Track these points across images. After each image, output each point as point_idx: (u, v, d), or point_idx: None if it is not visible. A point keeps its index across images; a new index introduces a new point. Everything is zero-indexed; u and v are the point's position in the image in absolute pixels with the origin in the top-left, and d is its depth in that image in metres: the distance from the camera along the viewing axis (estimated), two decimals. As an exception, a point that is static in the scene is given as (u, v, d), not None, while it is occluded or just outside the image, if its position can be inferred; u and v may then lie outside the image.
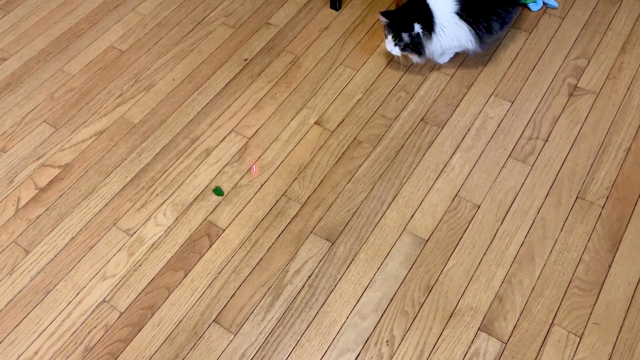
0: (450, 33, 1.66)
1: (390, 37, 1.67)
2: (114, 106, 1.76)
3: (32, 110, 1.76)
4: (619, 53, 1.80)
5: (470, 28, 1.65)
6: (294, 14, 1.98)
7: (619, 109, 1.67)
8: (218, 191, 1.55)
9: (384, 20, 1.67)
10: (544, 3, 1.95)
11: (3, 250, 1.47)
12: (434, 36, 1.65)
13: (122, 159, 1.63)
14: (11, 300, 1.39)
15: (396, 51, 1.69)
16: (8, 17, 2.04)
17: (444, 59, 1.79)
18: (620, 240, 1.42)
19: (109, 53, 1.91)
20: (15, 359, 1.30)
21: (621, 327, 1.29)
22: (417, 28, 1.62)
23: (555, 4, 1.93)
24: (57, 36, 1.97)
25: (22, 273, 1.43)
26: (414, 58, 1.72)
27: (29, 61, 1.90)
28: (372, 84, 1.77)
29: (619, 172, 1.54)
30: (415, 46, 1.65)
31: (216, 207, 1.52)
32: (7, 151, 1.66)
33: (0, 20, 2.03)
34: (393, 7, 1.96)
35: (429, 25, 1.64)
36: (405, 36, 1.64)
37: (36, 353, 1.31)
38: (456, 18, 1.64)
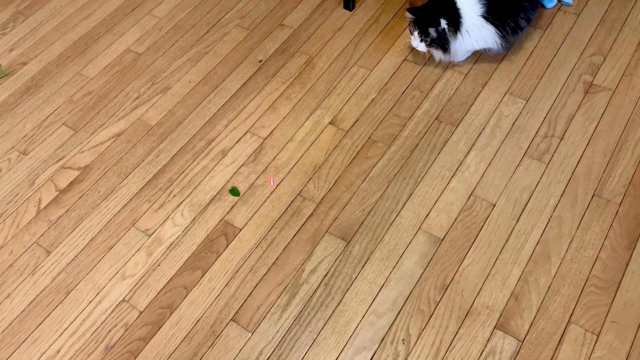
0: (476, 35, 1.68)
1: (416, 33, 1.68)
2: (131, 108, 1.78)
3: (52, 113, 1.79)
4: (635, 49, 1.79)
5: (496, 30, 1.65)
6: (307, 15, 2.00)
7: (636, 106, 1.66)
8: (234, 191, 1.57)
9: (409, 16, 1.69)
10: (558, 0, 1.93)
11: (25, 251, 1.50)
12: (458, 35, 1.66)
13: (140, 161, 1.65)
14: (33, 299, 1.42)
15: (422, 47, 1.70)
16: (27, 21, 2.08)
17: (462, 57, 1.79)
18: (638, 238, 1.41)
19: (126, 56, 1.94)
20: (38, 358, 1.33)
21: (639, 326, 1.28)
22: (443, 24, 1.63)
23: (570, 1, 1.92)
24: (75, 40, 2.00)
25: (43, 273, 1.46)
26: (438, 54, 1.73)
27: (48, 65, 1.93)
28: (386, 84, 1.77)
29: (635, 169, 1.53)
30: (442, 42, 1.66)
31: (232, 207, 1.54)
32: (28, 154, 1.70)
33: (19, 25, 2.06)
34: (407, 5, 1.96)
35: (455, 23, 1.65)
36: (432, 31, 1.65)
37: (58, 352, 1.33)
38: (482, 21, 1.65)
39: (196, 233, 1.50)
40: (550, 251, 1.40)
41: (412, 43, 1.72)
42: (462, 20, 1.65)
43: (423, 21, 1.65)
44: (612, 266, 1.37)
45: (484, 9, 1.65)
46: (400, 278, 1.39)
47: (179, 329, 1.35)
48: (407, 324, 1.32)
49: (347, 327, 1.33)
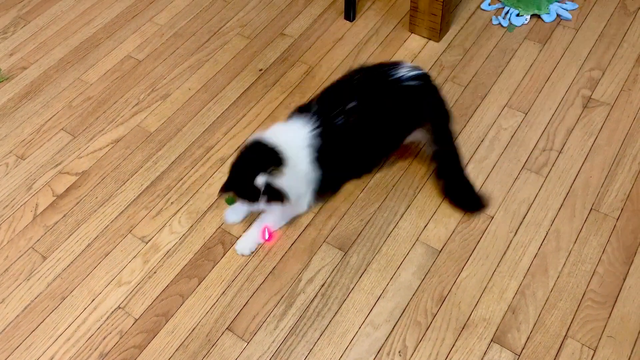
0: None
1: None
2: (130, 115, 1.78)
3: (51, 118, 1.79)
4: (633, 65, 1.80)
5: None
6: (308, 25, 2.00)
7: (634, 121, 1.66)
8: (230, 200, 1.56)
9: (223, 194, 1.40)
10: (557, 14, 1.95)
11: (21, 256, 1.49)
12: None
13: (138, 167, 1.65)
14: (28, 305, 1.41)
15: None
16: (28, 26, 2.08)
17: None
18: (635, 253, 1.41)
19: (126, 62, 1.94)
20: (32, 364, 1.32)
21: (636, 341, 1.28)
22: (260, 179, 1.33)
23: (569, 16, 1.93)
24: (76, 46, 2.01)
25: (39, 279, 1.45)
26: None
27: (48, 70, 1.93)
28: (385, 95, 1.78)
29: (633, 184, 1.53)
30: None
31: (230, 215, 1.53)
32: (25, 158, 1.69)
33: (20, 30, 2.07)
34: (407, 17, 1.97)
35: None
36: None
37: (52, 358, 1.32)
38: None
39: (193, 241, 1.49)
40: (547, 264, 1.40)
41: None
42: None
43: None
44: (610, 281, 1.37)
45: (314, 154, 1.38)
46: (398, 289, 1.38)
47: (174, 337, 1.34)
48: (403, 335, 1.32)
49: (344, 338, 1.32)
